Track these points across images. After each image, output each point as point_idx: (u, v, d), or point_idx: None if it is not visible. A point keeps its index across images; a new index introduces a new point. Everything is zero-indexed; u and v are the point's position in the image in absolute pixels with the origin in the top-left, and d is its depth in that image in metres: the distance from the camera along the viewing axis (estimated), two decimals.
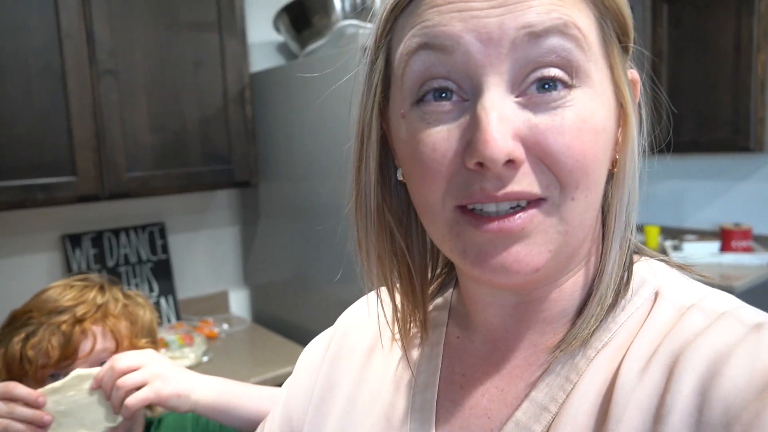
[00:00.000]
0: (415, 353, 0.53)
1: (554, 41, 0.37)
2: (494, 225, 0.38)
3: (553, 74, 0.37)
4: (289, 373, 0.66)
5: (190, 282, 2.18)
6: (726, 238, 2.54)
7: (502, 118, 0.37)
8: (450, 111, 0.39)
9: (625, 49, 0.42)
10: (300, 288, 1.96)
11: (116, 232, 2.01)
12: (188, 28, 1.81)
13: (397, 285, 0.51)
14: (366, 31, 1.76)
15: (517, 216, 0.38)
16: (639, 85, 0.45)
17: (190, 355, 1.72)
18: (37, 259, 1.90)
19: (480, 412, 0.46)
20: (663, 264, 0.48)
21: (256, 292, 2.25)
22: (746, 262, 2.44)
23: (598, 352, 0.43)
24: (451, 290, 0.56)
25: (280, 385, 0.66)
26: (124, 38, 1.70)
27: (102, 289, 0.91)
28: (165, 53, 1.77)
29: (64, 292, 0.88)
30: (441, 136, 0.39)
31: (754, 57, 2.28)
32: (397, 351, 0.54)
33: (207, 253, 2.23)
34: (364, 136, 0.46)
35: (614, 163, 0.43)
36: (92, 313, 0.86)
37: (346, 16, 1.90)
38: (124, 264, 2.01)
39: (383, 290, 0.52)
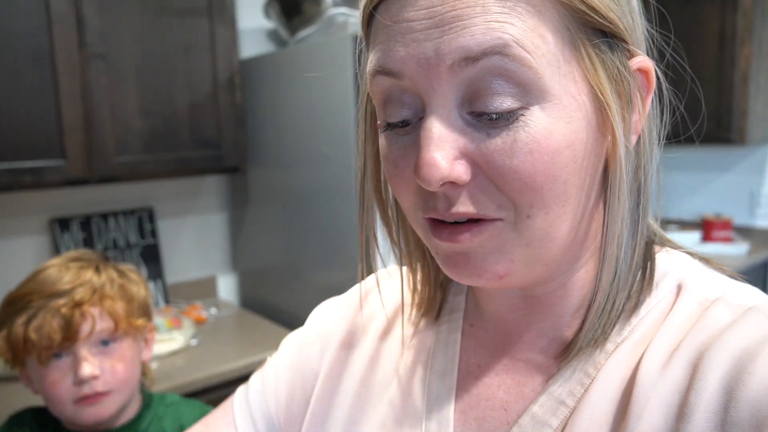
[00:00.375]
0: (429, 337, 0.52)
1: (494, 62, 0.35)
2: (446, 235, 0.39)
3: (498, 94, 0.36)
4: None
5: (178, 266, 2.19)
6: (707, 228, 2.59)
7: (442, 140, 0.36)
8: (410, 131, 0.40)
9: (609, 42, 0.39)
10: (288, 273, 1.98)
11: (105, 216, 2.02)
12: (178, 14, 1.81)
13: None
14: (355, 19, 1.77)
15: (468, 233, 0.38)
16: (652, 73, 0.41)
17: (179, 338, 1.74)
18: (26, 243, 1.91)
19: (497, 404, 0.45)
20: (686, 255, 0.46)
21: (245, 277, 2.27)
22: (726, 252, 2.49)
23: (617, 346, 0.42)
24: None
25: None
26: (114, 23, 1.70)
27: (98, 269, 0.93)
28: (155, 38, 1.78)
29: (60, 274, 0.89)
30: (401, 155, 0.40)
31: (738, 51, 2.31)
32: (413, 334, 0.54)
33: (195, 238, 2.25)
34: (365, 140, 0.47)
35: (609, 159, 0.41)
36: (90, 296, 0.88)
37: (336, 4, 1.91)
38: (113, 248, 2.02)
39: (394, 275, 0.53)
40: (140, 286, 0.98)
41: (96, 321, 0.88)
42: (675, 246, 0.47)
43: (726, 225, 2.57)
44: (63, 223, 1.94)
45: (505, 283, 0.40)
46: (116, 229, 2.04)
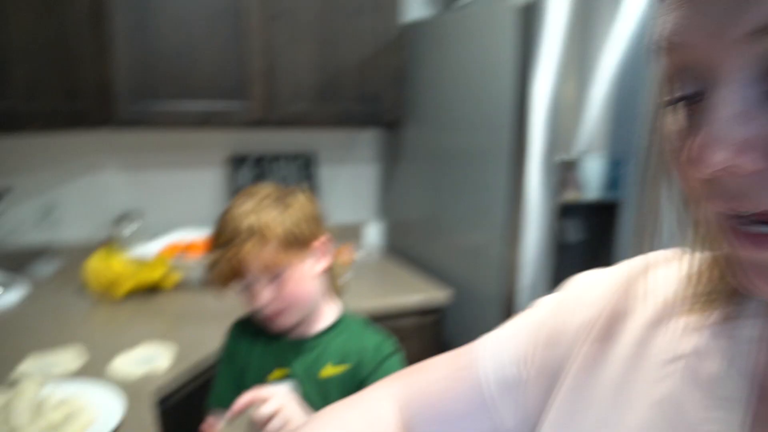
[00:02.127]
0: (714, 341, 0.43)
1: None
2: (749, 244, 0.32)
3: None
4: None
5: (332, 210, 2.39)
6: None
7: (728, 119, 0.31)
8: (695, 108, 0.35)
9: None
10: (432, 228, 2.09)
11: (274, 158, 2.25)
12: None
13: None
14: None
15: None
16: None
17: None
18: (209, 174, 2.20)
19: None
20: None
21: (391, 226, 2.42)
22: None
23: None
24: None
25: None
26: None
27: (258, 212, 1.04)
28: (327, 1, 1.94)
29: (231, 223, 1.03)
30: (684, 132, 0.36)
31: None
32: (691, 332, 0.45)
33: (350, 185, 2.43)
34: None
35: None
36: (249, 248, 1.01)
37: None
38: None
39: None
40: (299, 214, 1.07)
41: (256, 268, 1.02)
42: None
43: None
44: (239, 160, 2.20)
45: None
46: (283, 169, 2.27)
